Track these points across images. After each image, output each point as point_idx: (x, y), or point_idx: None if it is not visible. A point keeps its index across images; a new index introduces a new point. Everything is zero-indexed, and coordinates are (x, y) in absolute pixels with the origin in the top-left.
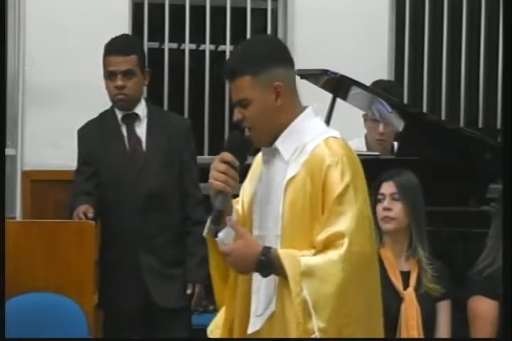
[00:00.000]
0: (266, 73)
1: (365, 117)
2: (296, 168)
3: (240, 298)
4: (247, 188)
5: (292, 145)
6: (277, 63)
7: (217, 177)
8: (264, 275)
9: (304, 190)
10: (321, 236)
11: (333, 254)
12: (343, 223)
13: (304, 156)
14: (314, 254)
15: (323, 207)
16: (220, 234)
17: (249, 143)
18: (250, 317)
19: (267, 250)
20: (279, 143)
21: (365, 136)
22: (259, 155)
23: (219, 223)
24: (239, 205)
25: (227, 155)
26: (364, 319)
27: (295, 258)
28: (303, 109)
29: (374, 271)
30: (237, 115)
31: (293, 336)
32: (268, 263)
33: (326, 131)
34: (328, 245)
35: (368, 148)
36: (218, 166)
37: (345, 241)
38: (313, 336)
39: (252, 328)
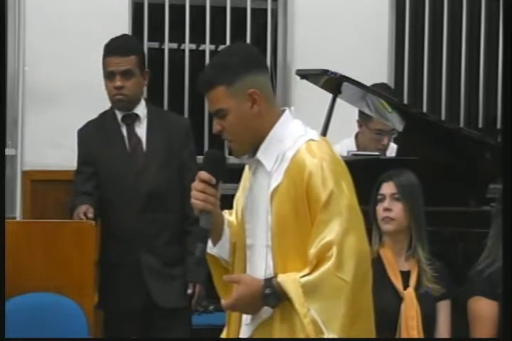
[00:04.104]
0: (240, 82)
1: (360, 123)
2: (279, 178)
3: None
4: (239, 198)
5: (273, 155)
6: (250, 71)
7: (196, 197)
8: (272, 306)
9: (288, 199)
10: (313, 250)
11: (327, 266)
12: (331, 232)
13: (285, 163)
14: (311, 270)
15: (312, 215)
16: (215, 249)
17: (224, 158)
18: (242, 326)
19: (268, 282)
20: (260, 155)
21: (356, 137)
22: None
23: (207, 241)
24: (233, 216)
25: (203, 174)
26: (366, 314)
27: (295, 280)
28: (280, 113)
29: (369, 266)
30: (216, 127)
31: None
32: (273, 294)
33: (305, 133)
34: (320, 257)
35: (359, 149)
36: (196, 186)
37: (335, 250)
38: None
39: (241, 336)
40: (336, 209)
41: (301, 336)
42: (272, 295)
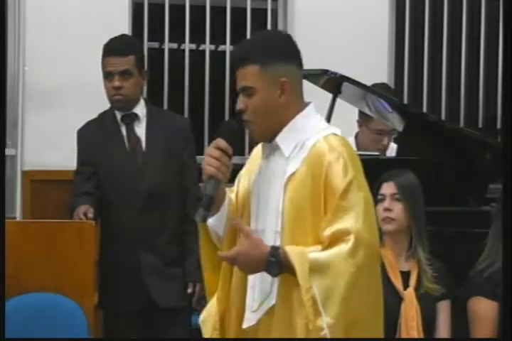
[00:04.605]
0: (275, 66)
1: (360, 123)
2: (296, 165)
3: (236, 290)
4: (243, 179)
5: (292, 142)
6: (287, 59)
7: (210, 163)
8: (274, 274)
9: (304, 187)
10: (327, 232)
11: (341, 249)
12: (349, 220)
13: (304, 152)
14: (322, 250)
15: (327, 203)
16: (211, 220)
17: (239, 131)
18: (246, 312)
19: (275, 250)
20: (279, 140)
21: (356, 137)
22: (259, 147)
23: (210, 209)
24: (233, 194)
25: (221, 142)
26: (371, 317)
27: (303, 254)
28: (305, 105)
29: (379, 263)
30: (241, 104)
31: (300, 334)
32: (278, 264)
33: (327, 127)
34: (334, 240)
35: (359, 149)
36: (212, 152)
37: (352, 237)
38: (322, 333)
39: (246, 323)
40: (354, 199)
41: (299, 318)
42: (276, 263)
